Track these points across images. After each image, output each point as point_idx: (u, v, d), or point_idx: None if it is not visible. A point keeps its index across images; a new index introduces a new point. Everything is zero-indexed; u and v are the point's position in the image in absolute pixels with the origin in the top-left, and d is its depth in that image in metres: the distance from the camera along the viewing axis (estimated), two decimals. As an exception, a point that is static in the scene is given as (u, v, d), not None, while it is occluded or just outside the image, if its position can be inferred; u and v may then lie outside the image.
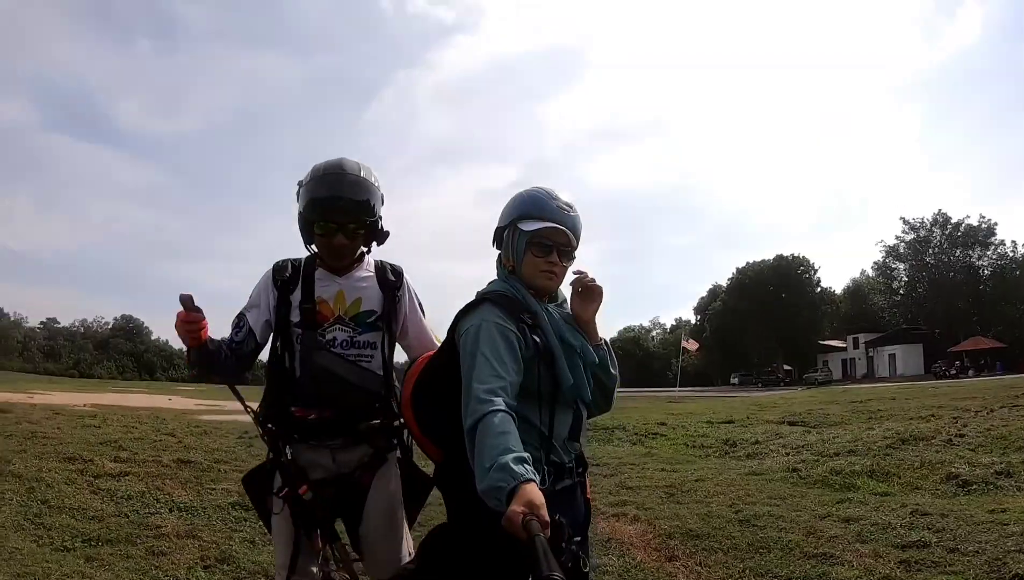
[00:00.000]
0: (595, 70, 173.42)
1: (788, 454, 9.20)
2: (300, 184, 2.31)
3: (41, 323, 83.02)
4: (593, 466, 8.70)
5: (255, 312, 2.36)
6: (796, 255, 69.26)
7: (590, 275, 2.08)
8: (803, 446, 9.65)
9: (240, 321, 2.35)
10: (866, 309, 67.96)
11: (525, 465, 1.55)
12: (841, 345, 63.88)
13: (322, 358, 2.29)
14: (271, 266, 2.41)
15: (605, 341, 2.13)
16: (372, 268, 2.46)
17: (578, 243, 2.07)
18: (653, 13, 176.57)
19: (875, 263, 67.91)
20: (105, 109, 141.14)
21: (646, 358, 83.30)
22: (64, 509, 5.31)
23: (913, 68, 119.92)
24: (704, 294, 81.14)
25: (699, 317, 79.09)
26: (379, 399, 2.36)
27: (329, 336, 2.33)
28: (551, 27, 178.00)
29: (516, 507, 1.44)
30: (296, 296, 2.33)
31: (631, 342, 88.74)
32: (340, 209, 2.24)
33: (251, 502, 2.50)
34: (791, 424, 12.29)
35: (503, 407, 1.70)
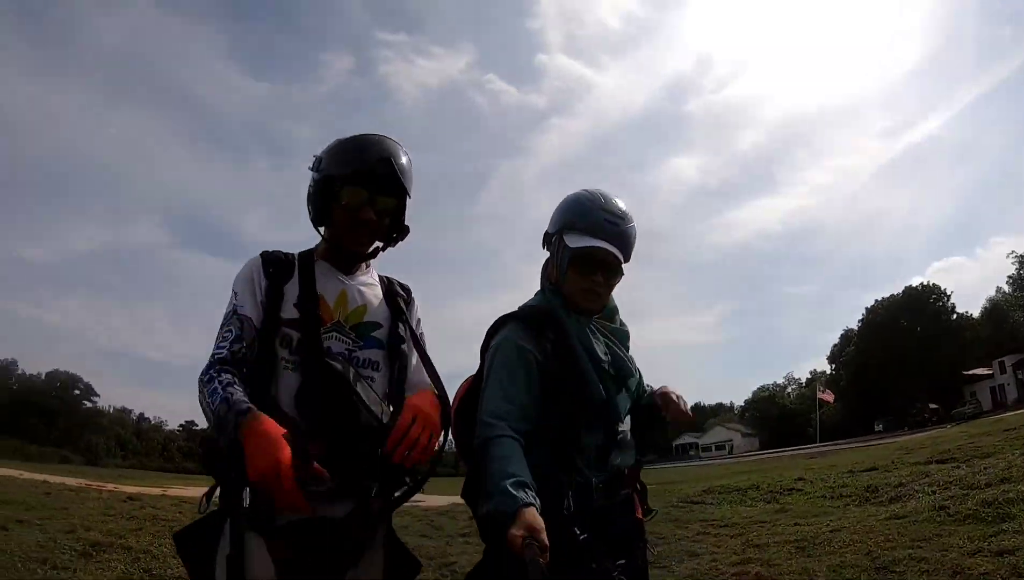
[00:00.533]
0: (694, 130, 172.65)
1: (935, 492, 8.26)
2: (318, 157, 1.89)
3: (180, 426, 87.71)
4: (720, 527, 8.58)
5: (250, 306, 1.79)
6: (926, 284, 65.13)
7: (675, 397, 2.00)
8: (951, 482, 8.63)
9: (241, 323, 1.76)
10: (1008, 329, 61.16)
11: (526, 490, 1.56)
12: (987, 372, 57.82)
13: (334, 367, 1.75)
14: (256, 255, 1.90)
15: None
16: (376, 278, 2.02)
17: (629, 257, 1.97)
18: (749, 64, 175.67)
19: (1010, 277, 61.58)
20: (229, 225, 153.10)
21: (784, 416, 78.81)
22: (165, 578, 5.39)
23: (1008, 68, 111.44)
24: (836, 341, 76.38)
25: (833, 366, 74.78)
26: (385, 434, 1.72)
27: (325, 345, 1.79)
28: (644, 93, 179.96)
29: (515, 531, 1.47)
30: (292, 288, 1.83)
31: (766, 401, 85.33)
32: (379, 174, 1.82)
33: (186, 568, 1.75)
34: (940, 462, 11.13)
35: (507, 431, 1.71)
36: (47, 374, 70.15)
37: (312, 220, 1.93)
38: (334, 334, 1.82)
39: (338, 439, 1.69)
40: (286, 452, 1.46)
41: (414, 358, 1.99)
